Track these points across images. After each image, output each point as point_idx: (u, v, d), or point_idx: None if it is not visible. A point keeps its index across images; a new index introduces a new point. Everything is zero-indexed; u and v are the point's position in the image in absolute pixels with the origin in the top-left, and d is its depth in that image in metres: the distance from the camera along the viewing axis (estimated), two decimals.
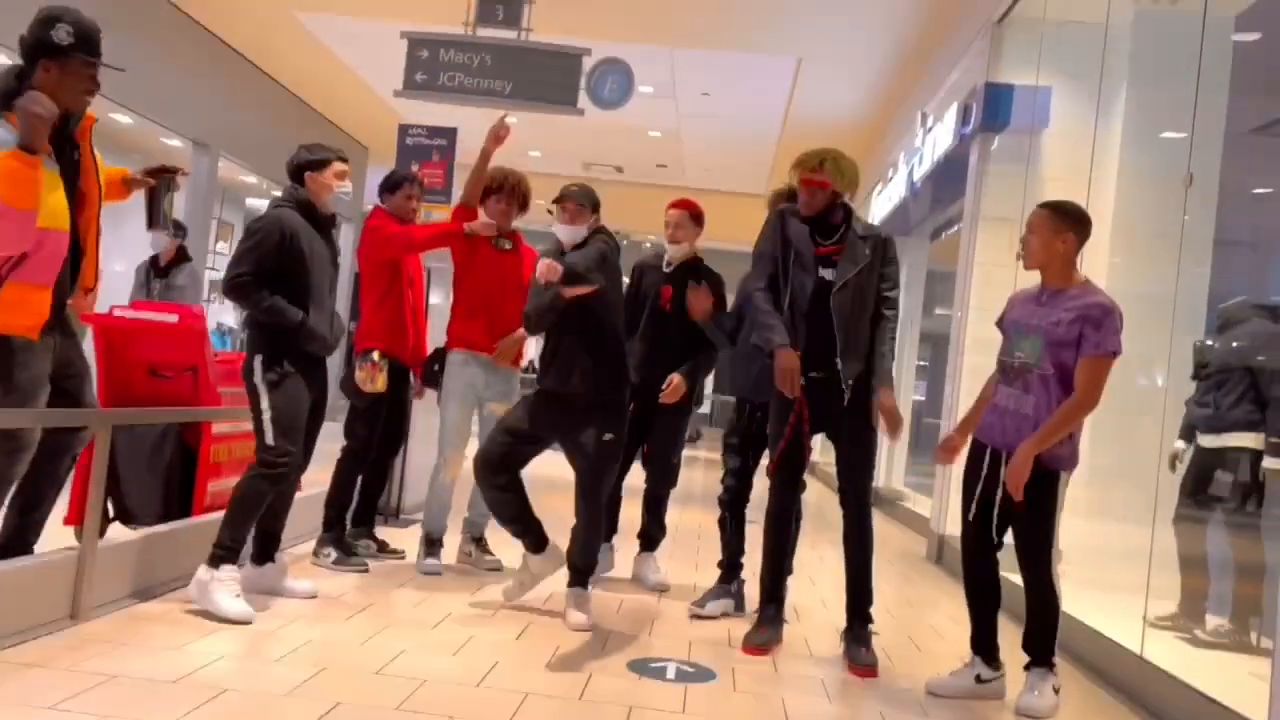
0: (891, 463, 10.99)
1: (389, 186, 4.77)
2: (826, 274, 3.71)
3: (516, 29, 7.86)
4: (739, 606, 4.29)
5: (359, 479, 4.69)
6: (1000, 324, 3.65)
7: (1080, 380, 3.28)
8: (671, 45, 9.54)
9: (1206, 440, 4.80)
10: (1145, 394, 5.45)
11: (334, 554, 4.43)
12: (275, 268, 3.60)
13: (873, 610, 3.78)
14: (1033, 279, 3.57)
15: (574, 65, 7.75)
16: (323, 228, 3.80)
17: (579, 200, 3.97)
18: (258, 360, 3.62)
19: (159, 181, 3.73)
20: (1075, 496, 5.39)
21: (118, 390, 4.26)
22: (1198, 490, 4.85)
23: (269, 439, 3.57)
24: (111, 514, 4.27)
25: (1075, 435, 3.38)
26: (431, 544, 4.54)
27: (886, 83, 9.93)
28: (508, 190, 4.59)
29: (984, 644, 3.51)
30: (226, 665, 2.97)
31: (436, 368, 4.64)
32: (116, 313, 4.28)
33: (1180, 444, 4.98)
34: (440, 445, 4.54)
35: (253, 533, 3.75)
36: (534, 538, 3.94)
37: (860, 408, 3.72)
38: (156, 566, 3.70)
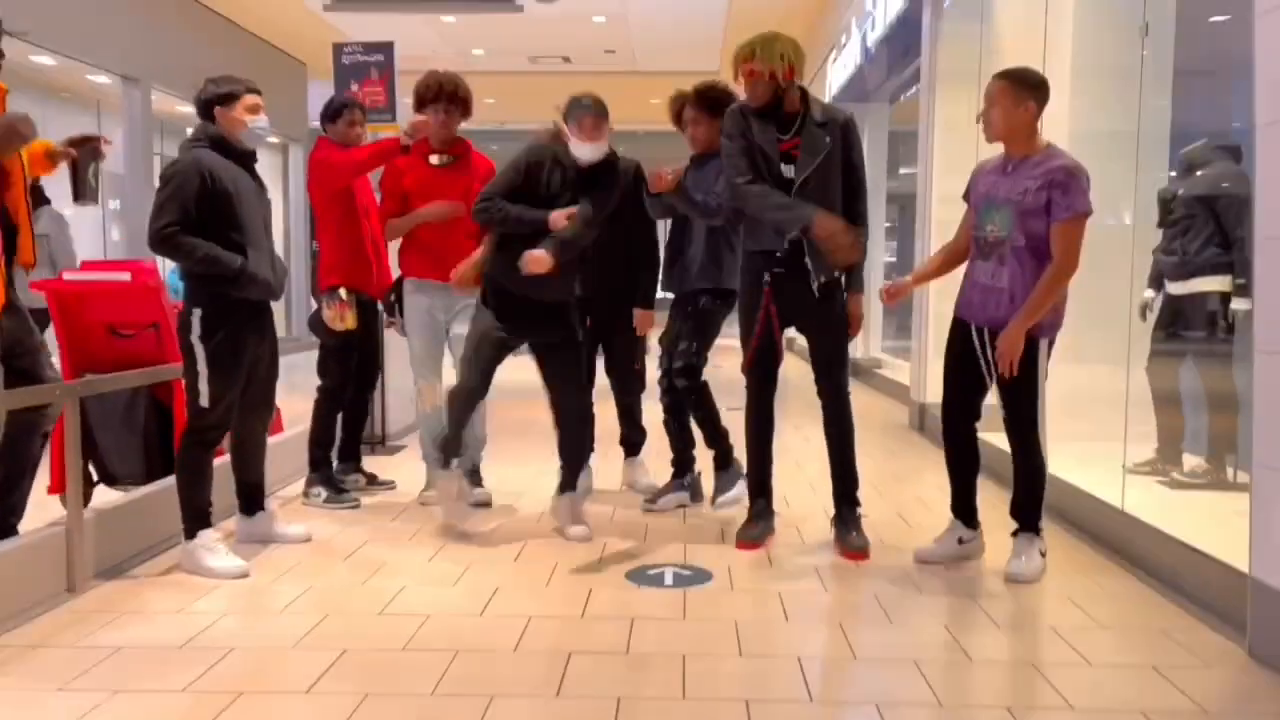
0: (868, 331, 11.05)
1: (329, 115, 4.60)
2: (787, 170, 3.61)
3: None
4: (695, 497, 4.43)
5: (339, 415, 4.66)
6: (966, 197, 3.62)
7: (1056, 246, 3.28)
8: None
9: (1175, 287, 4.82)
10: (1113, 234, 5.45)
11: (323, 493, 4.44)
12: (201, 213, 3.38)
13: (859, 491, 3.84)
14: (995, 149, 3.52)
15: None
16: (244, 164, 3.58)
17: (596, 113, 3.73)
18: (195, 315, 3.42)
19: (81, 151, 3.60)
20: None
21: (80, 355, 4.19)
22: (1168, 335, 4.90)
23: (203, 401, 3.43)
24: (95, 478, 4.26)
25: (1059, 304, 3.39)
26: (470, 474, 4.34)
27: None
28: (445, 96, 4.24)
29: (963, 507, 3.65)
30: (230, 623, 2.99)
31: (393, 298, 4.51)
32: (66, 276, 4.17)
33: (1149, 292, 5.01)
34: (414, 377, 4.46)
35: (234, 486, 3.74)
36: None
37: (831, 302, 3.70)
38: (147, 528, 3.70)
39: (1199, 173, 4.80)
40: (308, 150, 13.82)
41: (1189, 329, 4.86)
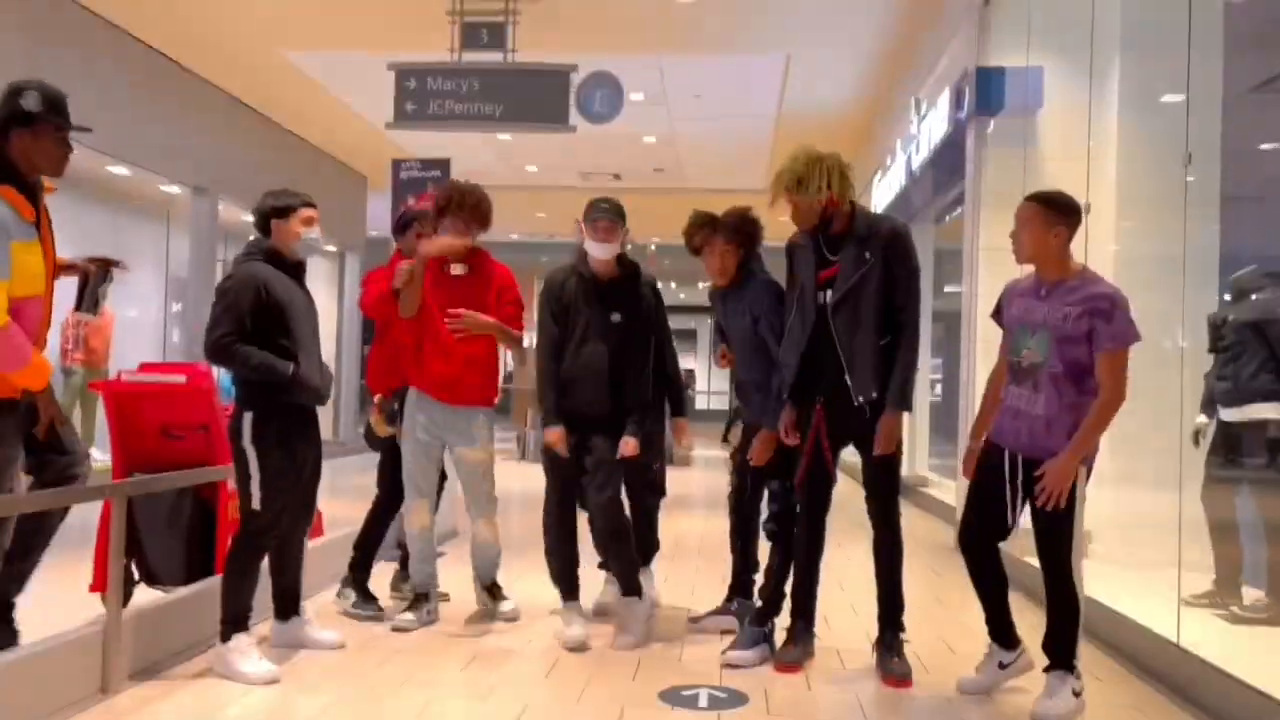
0: (914, 447, 10.93)
1: (399, 227, 4.63)
2: (825, 296, 3.64)
3: (502, 51, 7.87)
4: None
5: (388, 522, 4.62)
6: (998, 318, 3.57)
7: (1104, 377, 3.20)
8: (658, 52, 9.50)
9: (1228, 414, 4.74)
10: (1164, 358, 5.39)
11: (352, 596, 4.41)
12: (256, 323, 3.52)
13: (904, 616, 3.74)
14: (1026, 268, 3.52)
15: (562, 83, 7.75)
16: (295, 274, 3.74)
17: (611, 217, 4.03)
18: (247, 419, 3.52)
19: (98, 270, 3.88)
20: (1101, 467, 5.37)
21: (133, 454, 4.27)
22: (1223, 463, 4.79)
23: (255, 504, 3.50)
24: (137, 577, 4.29)
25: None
26: (417, 599, 4.21)
27: (877, 71, 9.88)
28: (467, 209, 4.16)
29: (998, 630, 3.51)
30: None
31: (397, 406, 4.32)
32: (124, 378, 4.29)
33: (1202, 418, 4.92)
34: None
35: (270, 590, 3.75)
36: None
37: (875, 426, 3.63)
38: (184, 628, 3.71)
39: (1251, 298, 4.77)
40: (363, 259, 14.34)
41: (1243, 456, 4.75)
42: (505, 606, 4.36)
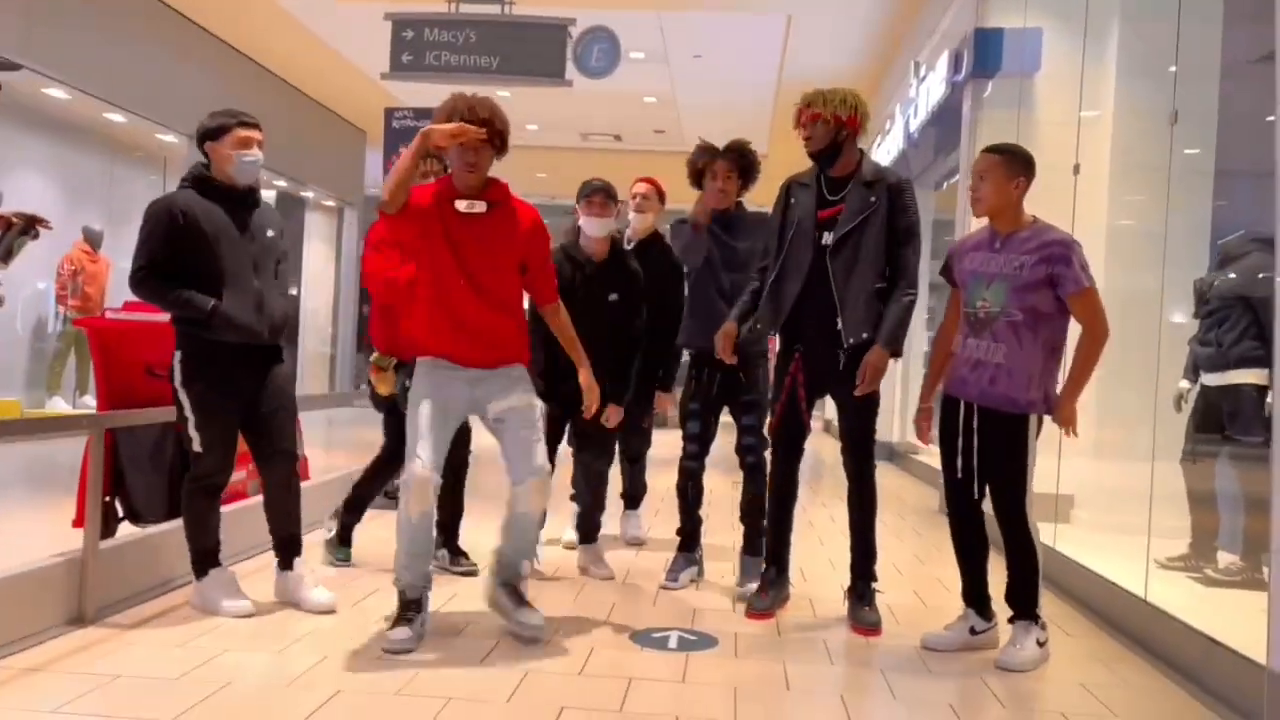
0: (905, 416, 10.96)
1: None
2: (825, 237, 3.59)
3: (499, 3, 7.81)
4: (700, 572, 4.30)
5: (386, 478, 4.37)
6: (948, 275, 3.59)
7: (1083, 317, 3.30)
8: (657, 9, 9.42)
9: (1211, 379, 4.75)
10: (1150, 329, 5.41)
11: (333, 529, 4.34)
12: (174, 254, 3.32)
13: (879, 568, 3.77)
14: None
15: (559, 36, 7.70)
16: (236, 201, 3.45)
17: (605, 194, 4.15)
18: (177, 359, 3.40)
19: (18, 224, 3.91)
20: (1086, 436, 5.41)
21: (118, 392, 4.28)
22: (1204, 428, 4.81)
23: (195, 446, 3.41)
24: (121, 514, 4.32)
25: (1050, 380, 3.35)
26: (406, 606, 3.24)
27: (877, 34, 9.79)
28: (478, 124, 3.22)
29: (976, 596, 3.50)
30: (231, 659, 3.00)
31: (407, 383, 3.50)
32: (109, 315, 4.30)
33: (1185, 383, 4.93)
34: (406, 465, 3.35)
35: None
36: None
37: (853, 377, 3.58)
38: (162, 564, 3.75)
39: (1236, 264, 4.76)
40: (361, 215, 14.30)
41: (1225, 421, 4.76)
42: (526, 618, 3.34)
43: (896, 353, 3.58)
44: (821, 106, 3.58)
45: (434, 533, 3.45)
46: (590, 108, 12.55)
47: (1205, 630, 3.24)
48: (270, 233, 3.59)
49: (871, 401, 3.67)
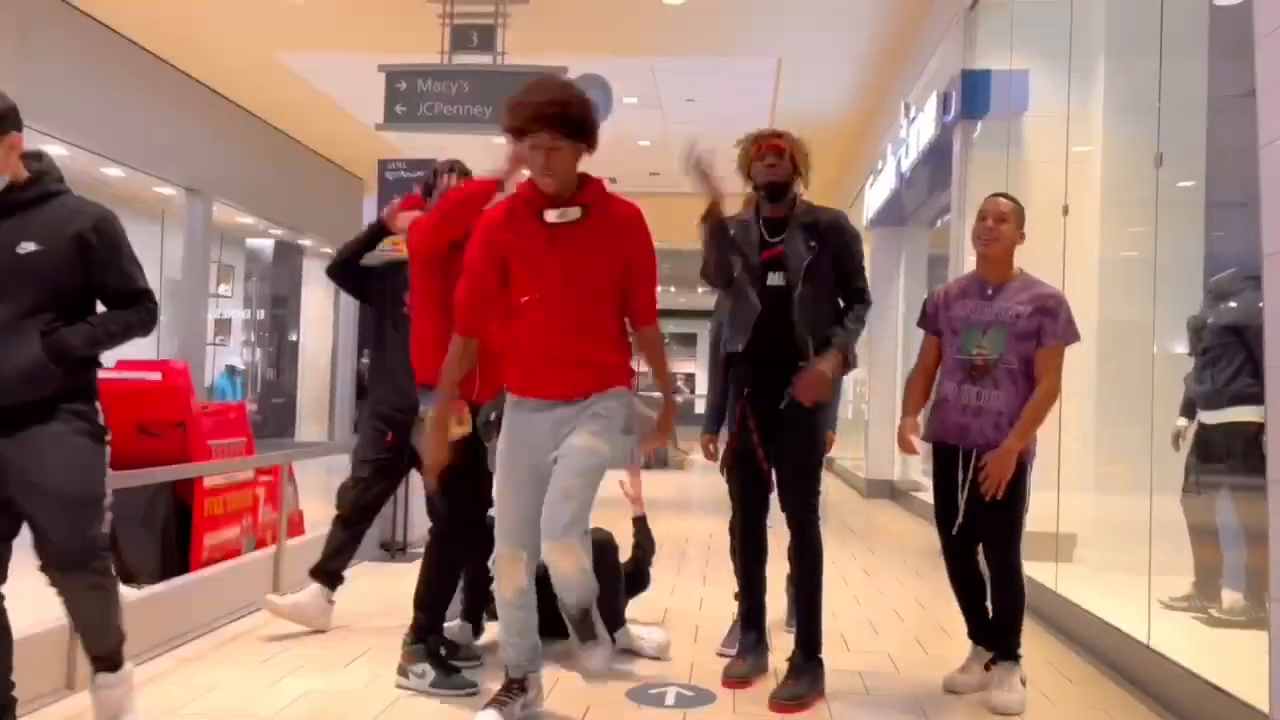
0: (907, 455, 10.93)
1: (428, 190, 3.84)
2: (775, 279, 3.46)
3: (492, 53, 7.89)
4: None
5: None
6: (929, 323, 3.62)
7: (1045, 371, 3.38)
8: (650, 55, 9.52)
9: (1207, 416, 4.74)
10: (1147, 363, 5.41)
11: (431, 674, 3.34)
12: None
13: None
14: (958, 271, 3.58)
15: None
16: None
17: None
18: None
19: None
20: (1086, 473, 5.39)
21: (111, 452, 4.28)
22: (1202, 466, 4.79)
23: None
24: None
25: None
26: (508, 686, 2.97)
27: (867, 76, 9.90)
28: (553, 121, 2.73)
29: (982, 633, 3.55)
30: None
31: (494, 416, 3.11)
32: (101, 375, 4.30)
33: (1182, 421, 4.92)
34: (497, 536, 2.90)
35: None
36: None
37: (798, 419, 3.42)
38: (155, 625, 3.71)
39: (1230, 303, 4.77)
40: None
41: (1223, 459, 4.74)
42: (584, 657, 2.90)
43: (844, 364, 3.45)
44: (788, 142, 3.51)
45: (534, 611, 2.98)
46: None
47: (1207, 676, 3.20)
48: (30, 246, 2.55)
49: (810, 453, 3.49)
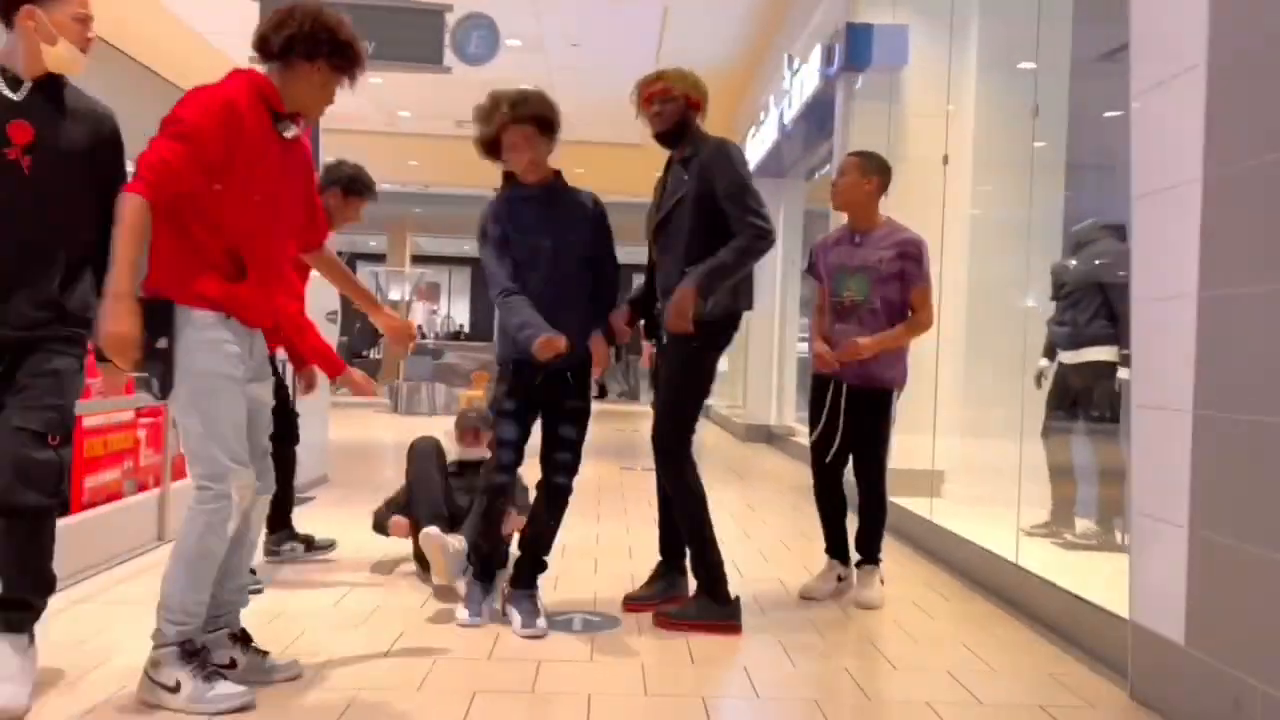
0: (782, 400, 11.29)
1: None
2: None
3: None
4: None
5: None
6: (813, 271, 4.03)
7: (921, 306, 3.81)
8: None
9: (1067, 357, 5.08)
10: (1012, 313, 5.76)
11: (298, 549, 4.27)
12: None
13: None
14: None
15: (436, 22, 7.59)
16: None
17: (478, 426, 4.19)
18: None
19: None
20: (953, 416, 5.72)
21: None
22: (1062, 404, 5.14)
23: None
24: None
25: (905, 359, 3.87)
26: (189, 655, 2.53)
27: (752, 26, 10.03)
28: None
29: (838, 548, 4.01)
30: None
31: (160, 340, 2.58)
32: None
33: (1044, 361, 5.26)
34: (213, 469, 2.54)
35: None
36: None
37: (675, 349, 3.41)
38: None
39: (1088, 249, 5.10)
40: None
41: (1081, 397, 5.10)
42: (281, 667, 2.80)
43: (705, 290, 3.26)
44: (674, 82, 3.41)
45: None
46: (465, 95, 12.31)
47: (1071, 589, 3.49)
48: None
49: (679, 376, 3.41)
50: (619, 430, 11.72)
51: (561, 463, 3.42)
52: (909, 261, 3.76)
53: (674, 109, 3.43)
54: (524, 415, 3.40)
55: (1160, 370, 2.78)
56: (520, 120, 3.33)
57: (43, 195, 2.54)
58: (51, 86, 2.59)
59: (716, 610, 3.40)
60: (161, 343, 2.48)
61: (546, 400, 3.42)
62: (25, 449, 2.46)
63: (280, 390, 3.87)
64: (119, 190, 2.43)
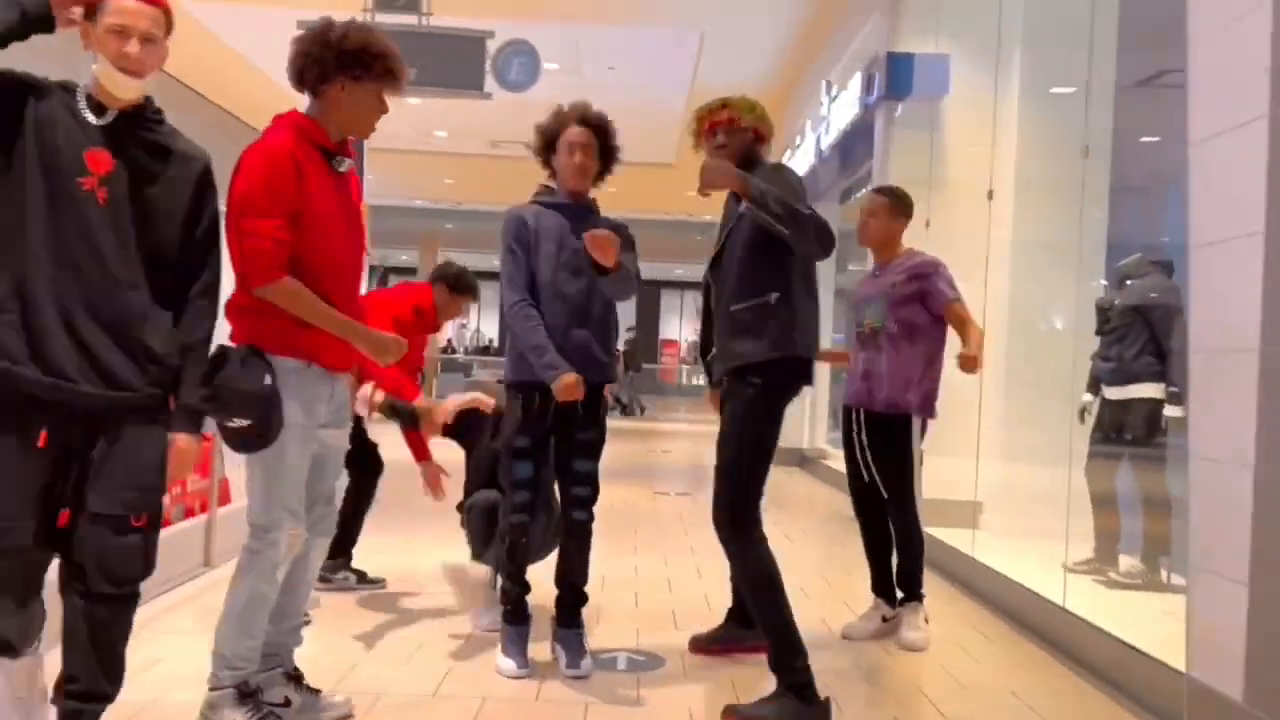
0: (814, 422, 11.24)
1: None
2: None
3: (416, 13, 7.72)
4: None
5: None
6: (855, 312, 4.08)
7: (961, 323, 3.79)
8: (574, 20, 9.47)
9: (1112, 393, 5.03)
10: (1054, 337, 5.72)
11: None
12: None
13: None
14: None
15: (478, 49, 7.65)
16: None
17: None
18: None
19: None
20: (993, 442, 5.68)
21: None
22: (1106, 439, 5.09)
23: None
24: None
25: (929, 385, 3.83)
26: (244, 698, 2.57)
27: (790, 52, 10.04)
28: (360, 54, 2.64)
29: (883, 586, 3.96)
30: None
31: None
32: None
33: (1087, 396, 5.21)
34: (265, 519, 2.58)
35: None
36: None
37: (732, 392, 3.12)
38: None
39: (1133, 283, 5.06)
40: None
41: (1126, 433, 5.05)
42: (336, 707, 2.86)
43: (753, 189, 2.83)
44: (742, 112, 3.20)
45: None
46: (501, 116, 12.44)
47: (1121, 635, 3.45)
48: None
49: (733, 426, 3.03)
50: (649, 451, 11.68)
51: (579, 498, 3.35)
52: (924, 281, 3.79)
53: (741, 141, 3.19)
54: (538, 452, 3.31)
55: (1222, 423, 2.75)
56: (585, 122, 3.36)
57: (123, 231, 2.28)
58: (139, 118, 2.37)
59: (804, 712, 2.85)
60: (268, 379, 2.48)
61: (559, 433, 3.34)
62: (103, 537, 2.22)
63: (356, 423, 3.85)
64: (208, 238, 2.40)
